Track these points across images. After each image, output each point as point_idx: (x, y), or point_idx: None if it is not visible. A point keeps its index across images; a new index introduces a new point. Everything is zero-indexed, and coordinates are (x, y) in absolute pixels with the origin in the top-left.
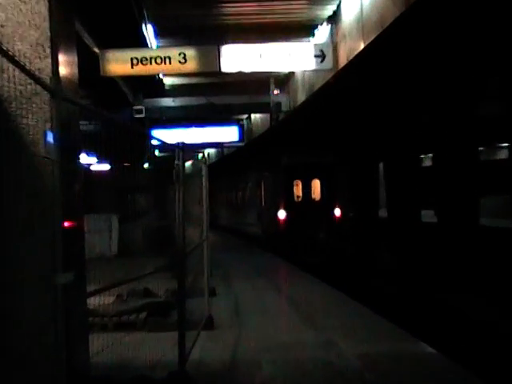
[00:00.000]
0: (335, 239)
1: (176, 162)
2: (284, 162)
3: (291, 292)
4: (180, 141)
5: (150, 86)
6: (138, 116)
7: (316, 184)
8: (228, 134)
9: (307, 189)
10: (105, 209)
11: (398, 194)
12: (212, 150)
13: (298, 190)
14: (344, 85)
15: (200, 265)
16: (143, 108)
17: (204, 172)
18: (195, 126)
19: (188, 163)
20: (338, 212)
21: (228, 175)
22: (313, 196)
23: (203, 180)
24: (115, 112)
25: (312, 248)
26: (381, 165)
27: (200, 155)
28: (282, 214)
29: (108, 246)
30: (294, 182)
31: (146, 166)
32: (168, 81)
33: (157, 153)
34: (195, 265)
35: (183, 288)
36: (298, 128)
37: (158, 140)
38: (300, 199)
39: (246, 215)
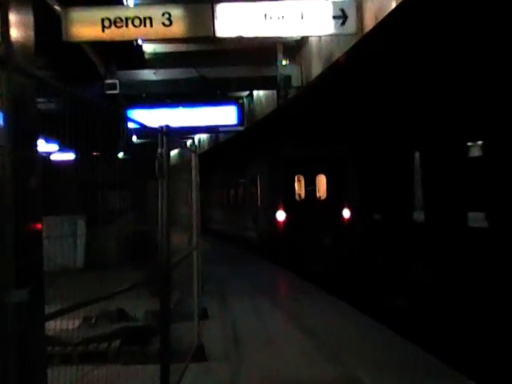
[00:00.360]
0: (344, 245)
1: (159, 150)
2: (284, 154)
3: (300, 312)
4: (164, 124)
5: (126, 54)
6: (110, 92)
7: (321, 180)
8: (224, 115)
9: (311, 186)
10: (69, 209)
11: (439, 191)
12: (204, 136)
13: (299, 187)
14: (370, 54)
15: (188, 280)
16: (117, 82)
17: (194, 163)
18: (183, 106)
19: (174, 152)
20: (346, 213)
21: (224, 168)
22: (317, 194)
23: (193, 173)
24: (82, 87)
25: (316, 255)
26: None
27: (189, 142)
28: (280, 216)
29: (73, 256)
30: (296, 178)
31: (120, 155)
32: (149, 48)
33: (134, 139)
34: (182, 280)
35: (167, 309)
36: (312, 109)
37: (136, 123)
38: (302, 198)
39: (241, 217)
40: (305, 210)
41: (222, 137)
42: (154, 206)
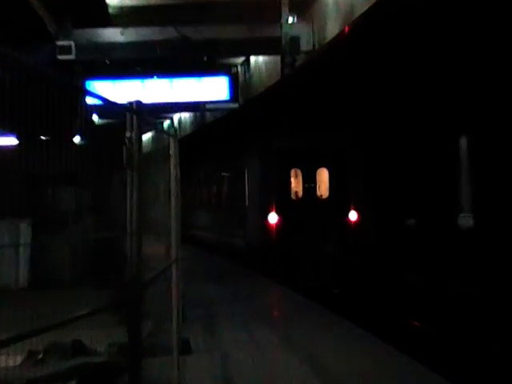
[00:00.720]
0: (351, 255)
1: (127, 133)
2: (277, 143)
3: (312, 346)
4: (133, 99)
5: (84, 7)
6: (64, 58)
7: (323, 175)
8: (212, 89)
9: (310, 182)
10: (8, 211)
11: (497, 189)
12: (186, 116)
13: (296, 183)
14: (401, 9)
15: (166, 303)
16: (72, 45)
17: (173, 151)
18: (158, 76)
19: (147, 136)
20: (353, 216)
21: (210, 158)
22: (318, 192)
23: (171, 164)
24: (26, 50)
25: (317, 267)
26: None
27: (166, 123)
28: (273, 219)
29: (14, 271)
30: (292, 173)
31: (77, 140)
32: (113, 0)
33: (95, 119)
34: (158, 302)
35: (138, 341)
36: (324, 82)
37: (98, 98)
38: (299, 197)
39: (225, 221)
40: (302, 212)
41: (209, 117)
42: (122, 207)
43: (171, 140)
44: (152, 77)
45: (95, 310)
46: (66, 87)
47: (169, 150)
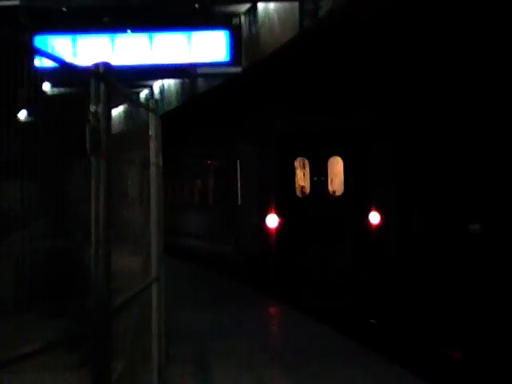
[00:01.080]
0: (371, 267)
1: (91, 107)
2: (278, 127)
3: None
4: (100, 61)
5: None
6: (4, 4)
7: (336, 166)
8: (206, 47)
9: (320, 175)
10: None
11: None
12: (171, 84)
13: (302, 176)
14: None
15: (143, 336)
16: None
17: (154, 131)
18: (133, 31)
19: (118, 111)
20: (375, 218)
21: (198, 143)
22: (330, 188)
23: (152, 148)
24: None
25: (328, 282)
26: None
27: (144, 94)
28: (272, 222)
29: None
30: (297, 163)
31: (22, 116)
32: None
33: (47, 87)
34: (132, 336)
35: None
36: (354, 38)
37: (52, 58)
38: (306, 194)
39: (213, 224)
40: (310, 213)
41: (201, 85)
42: (84, 207)
43: (151, 116)
44: (125, 31)
45: (45, 346)
46: (6, 44)
47: (147, 130)
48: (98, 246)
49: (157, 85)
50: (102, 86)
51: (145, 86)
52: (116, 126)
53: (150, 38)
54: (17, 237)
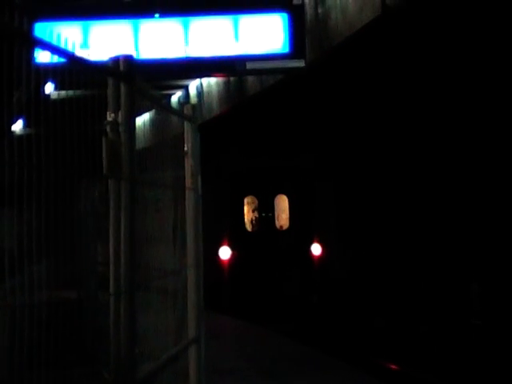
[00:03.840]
0: (315, 294)
1: (110, 115)
2: (229, 166)
3: None
4: (121, 54)
5: None
6: None
7: (282, 203)
8: (258, 34)
9: (268, 211)
10: None
11: None
12: (212, 83)
13: (252, 213)
14: None
15: None
16: None
17: (192, 145)
18: (163, 15)
19: (143, 119)
20: (317, 249)
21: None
22: (277, 223)
23: (188, 168)
24: None
25: (276, 308)
26: None
27: (176, 97)
28: (224, 254)
29: None
30: (247, 201)
31: (18, 127)
32: None
33: (51, 90)
34: None
35: None
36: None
37: (58, 52)
38: (256, 229)
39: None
40: (259, 246)
41: (252, 84)
42: (100, 245)
43: (187, 126)
44: (152, 15)
45: None
46: None
47: (183, 143)
48: (119, 297)
49: (193, 85)
50: (122, 88)
51: (178, 87)
52: (140, 140)
53: (185, 25)
54: (12, 286)
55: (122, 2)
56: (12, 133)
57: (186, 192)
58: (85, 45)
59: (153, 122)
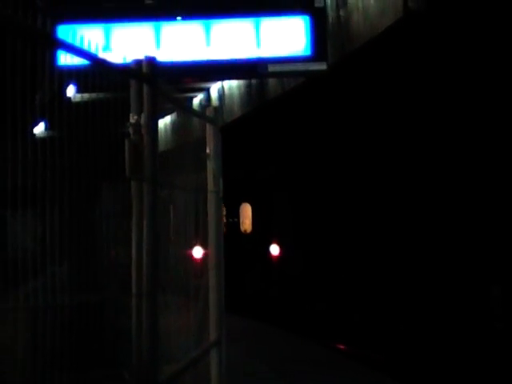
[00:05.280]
0: (273, 289)
1: (133, 117)
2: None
3: None
4: (144, 56)
5: None
6: None
7: (246, 211)
8: (280, 37)
9: (234, 217)
10: None
11: None
12: (233, 86)
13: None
14: None
15: None
16: None
17: (213, 147)
18: (185, 18)
19: (164, 122)
20: (275, 250)
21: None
22: (242, 227)
23: (210, 171)
24: None
25: (240, 302)
26: None
27: (198, 99)
28: (197, 253)
29: None
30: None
31: (39, 130)
32: None
33: (72, 93)
34: None
35: None
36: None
37: (81, 54)
38: (224, 232)
39: None
40: (227, 246)
41: (273, 87)
42: (122, 248)
43: (209, 128)
44: (174, 18)
45: None
46: (20, 35)
47: (205, 145)
48: (141, 298)
49: (214, 87)
50: (145, 89)
51: (199, 90)
52: (161, 142)
53: (207, 27)
54: (32, 289)
55: (144, 4)
56: (34, 135)
57: (208, 194)
58: (107, 47)
59: (174, 125)
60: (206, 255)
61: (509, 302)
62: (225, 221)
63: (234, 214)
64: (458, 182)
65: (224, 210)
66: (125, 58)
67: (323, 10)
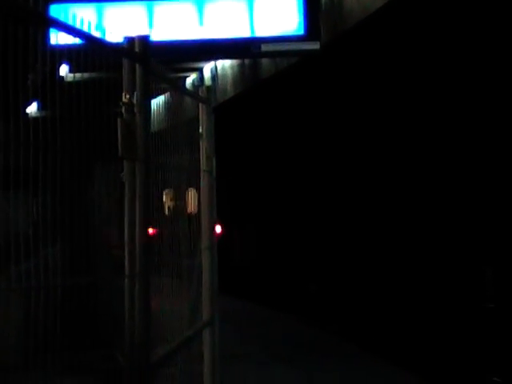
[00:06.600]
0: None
1: (125, 97)
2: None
3: None
4: (136, 35)
5: None
6: None
7: (192, 195)
8: (273, 15)
9: (181, 201)
10: None
11: None
12: (226, 65)
13: (169, 202)
14: None
15: None
16: None
17: (206, 128)
18: None
19: (156, 102)
20: (218, 229)
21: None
22: (188, 209)
23: (203, 151)
24: None
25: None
26: None
27: (191, 78)
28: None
29: None
30: (166, 192)
31: (32, 110)
32: None
33: (65, 72)
34: None
35: None
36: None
37: (73, 33)
38: (171, 213)
39: None
40: (174, 225)
41: (266, 67)
42: (114, 228)
43: (202, 108)
44: None
45: None
46: (12, 14)
47: (198, 125)
48: (134, 279)
49: (207, 67)
50: (138, 69)
51: (192, 70)
52: (154, 121)
53: (200, 6)
54: (25, 270)
55: None
56: (27, 115)
57: (201, 174)
58: (99, 27)
59: (167, 105)
60: (154, 232)
61: (500, 282)
62: (174, 203)
63: (182, 199)
64: (449, 166)
65: (172, 193)
66: (117, 38)
67: None
